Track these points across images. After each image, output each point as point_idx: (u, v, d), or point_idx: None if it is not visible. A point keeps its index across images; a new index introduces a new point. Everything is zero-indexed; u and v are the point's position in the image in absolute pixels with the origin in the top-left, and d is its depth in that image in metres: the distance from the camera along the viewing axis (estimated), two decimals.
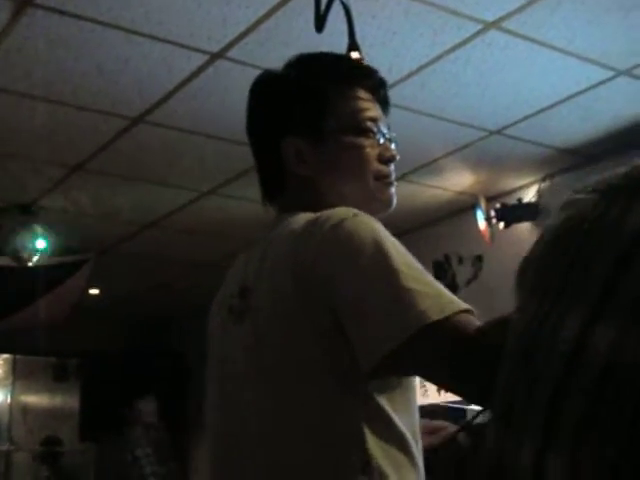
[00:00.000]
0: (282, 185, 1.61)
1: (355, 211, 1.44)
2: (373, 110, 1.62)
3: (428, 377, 1.40)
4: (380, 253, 1.35)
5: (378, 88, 1.65)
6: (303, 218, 1.48)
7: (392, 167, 1.64)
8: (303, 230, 1.44)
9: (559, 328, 0.90)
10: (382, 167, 1.61)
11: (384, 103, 1.66)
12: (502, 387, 1.00)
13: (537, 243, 1.06)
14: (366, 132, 1.59)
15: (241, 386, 1.49)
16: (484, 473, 0.97)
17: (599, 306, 0.87)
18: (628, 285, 0.87)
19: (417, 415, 1.48)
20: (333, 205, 1.49)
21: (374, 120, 1.61)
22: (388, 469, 1.36)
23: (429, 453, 1.56)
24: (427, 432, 1.61)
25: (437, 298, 1.31)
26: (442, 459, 1.57)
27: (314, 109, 1.58)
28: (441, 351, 1.31)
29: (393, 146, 1.64)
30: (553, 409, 0.87)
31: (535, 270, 1.03)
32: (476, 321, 1.32)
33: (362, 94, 1.61)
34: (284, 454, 1.41)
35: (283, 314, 1.43)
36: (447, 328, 1.29)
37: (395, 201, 1.64)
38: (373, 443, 1.37)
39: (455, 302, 1.32)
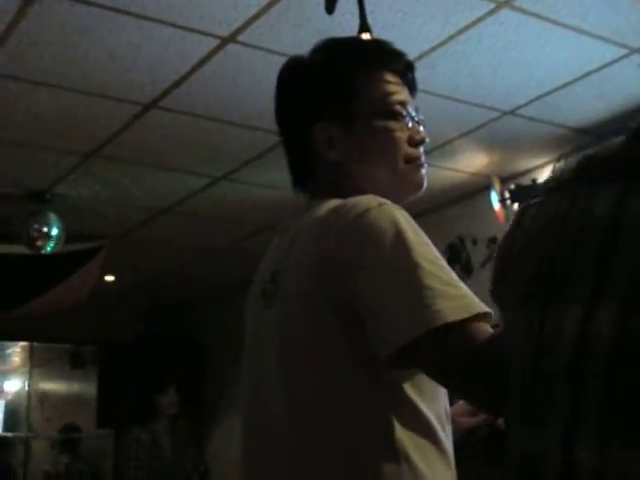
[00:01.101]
0: (313, 171, 1.61)
1: (381, 200, 1.43)
2: (401, 93, 1.61)
3: (434, 377, 1.39)
4: (401, 247, 1.35)
5: (406, 71, 1.65)
6: (330, 205, 1.48)
7: (422, 149, 1.64)
8: (327, 217, 1.45)
9: (561, 323, 0.90)
10: (412, 150, 1.61)
11: (412, 86, 1.66)
12: (517, 388, 0.99)
13: (504, 249, 1.08)
14: (395, 115, 1.59)
15: (270, 372, 1.50)
16: (512, 469, 0.98)
17: (596, 293, 0.88)
18: (620, 269, 0.88)
19: (445, 400, 1.48)
20: (363, 190, 1.50)
21: (403, 103, 1.60)
22: (416, 457, 1.37)
23: (468, 433, 1.57)
24: (469, 414, 1.63)
25: (455, 299, 1.31)
26: (478, 440, 1.58)
27: (343, 94, 1.58)
28: (450, 353, 1.31)
29: (422, 128, 1.64)
30: (574, 399, 0.87)
31: (515, 280, 1.03)
32: (489, 328, 1.31)
33: (390, 77, 1.61)
34: (311, 444, 1.41)
35: (308, 301, 1.43)
36: (460, 331, 1.29)
37: (426, 183, 1.64)
38: (401, 432, 1.37)
39: (472, 304, 1.31)
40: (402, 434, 1.37)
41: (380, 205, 1.41)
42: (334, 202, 1.49)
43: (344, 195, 1.49)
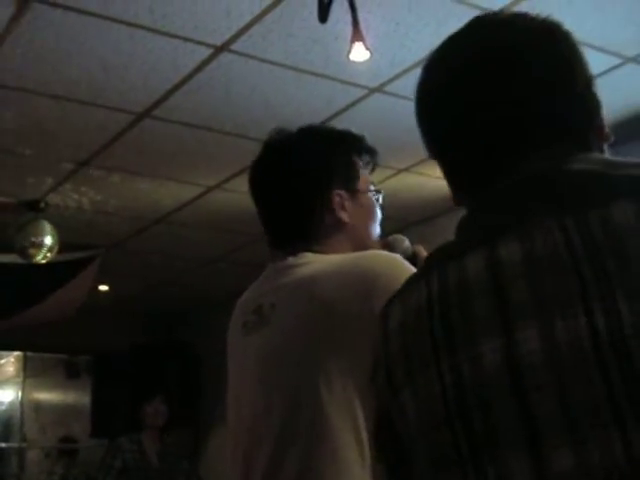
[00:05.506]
0: (313, 230, 1.83)
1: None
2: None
3: None
4: None
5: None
6: (337, 257, 1.75)
7: None
8: (350, 265, 1.69)
9: (574, 331, 0.93)
10: None
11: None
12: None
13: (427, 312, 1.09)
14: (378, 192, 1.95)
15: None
16: None
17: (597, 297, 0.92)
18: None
19: None
20: (362, 245, 1.82)
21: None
22: None
23: None
24: None
25: None
26: None
27: (351, 173, 1.89)
28: None
29: None
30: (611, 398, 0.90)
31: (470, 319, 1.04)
32: None
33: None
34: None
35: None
36: None
37: None
38: None
39: None
40: None
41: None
42: (342, 255, 1.75)
43: (341, 249, 1.79)
